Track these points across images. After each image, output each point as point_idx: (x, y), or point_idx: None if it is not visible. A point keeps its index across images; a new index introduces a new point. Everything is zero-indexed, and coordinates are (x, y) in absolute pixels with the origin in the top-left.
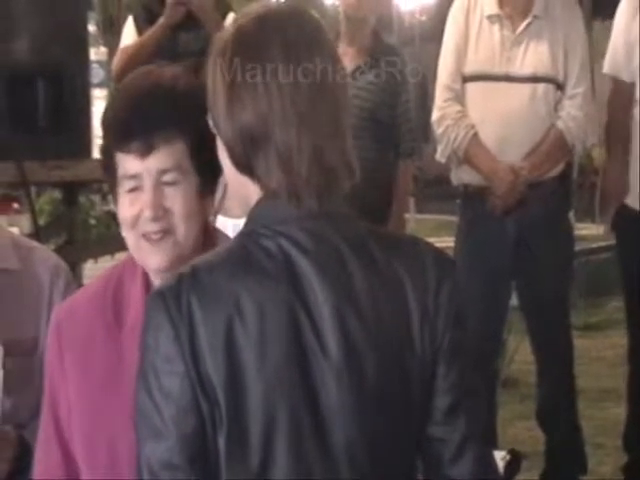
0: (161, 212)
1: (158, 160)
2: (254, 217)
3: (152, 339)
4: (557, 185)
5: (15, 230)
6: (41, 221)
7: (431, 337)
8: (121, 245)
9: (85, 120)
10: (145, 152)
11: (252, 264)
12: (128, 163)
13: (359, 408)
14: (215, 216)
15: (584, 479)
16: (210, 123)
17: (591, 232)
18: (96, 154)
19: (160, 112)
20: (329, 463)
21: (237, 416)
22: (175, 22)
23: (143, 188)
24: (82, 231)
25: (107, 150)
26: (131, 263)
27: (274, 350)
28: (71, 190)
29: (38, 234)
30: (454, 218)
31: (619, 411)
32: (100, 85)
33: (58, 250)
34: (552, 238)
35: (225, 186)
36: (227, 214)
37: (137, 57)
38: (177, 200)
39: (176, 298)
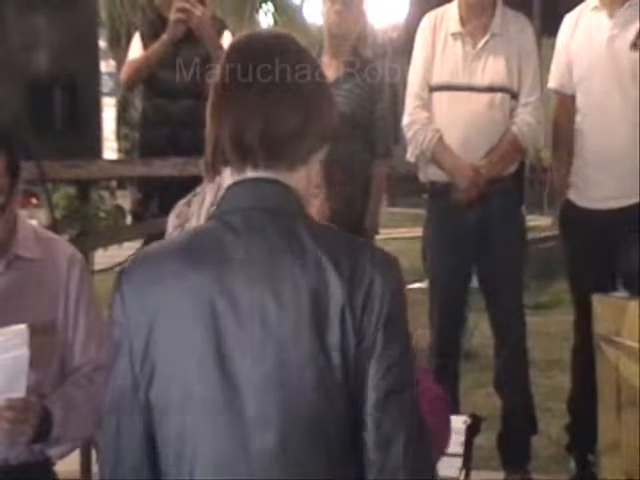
0: None
1: None
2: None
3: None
4: (512, 182)
5: (34, 222)
6: (57, 214)
7: (355, 331)
8: (128, 236)
9: (96, 124)
10: None
11: (192, 249)
12: None
13: (273, 387)
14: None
15: (535, 439)
16: None
17: (540, 223)
18: (106, 154)
19: None
20: (241, 433)
21: (159, 385)
22: (176, 38)
23: None
24: (93, 223)
25: None
26: None
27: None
28: (84, 186)
29: (55, 226)
30: (422, 211)
31: (565, 379)
32: (110, 94)
33: (72, 240)
34: (508, 228)
35: (220, 185)
36: None
37: (142, 69)
38: None
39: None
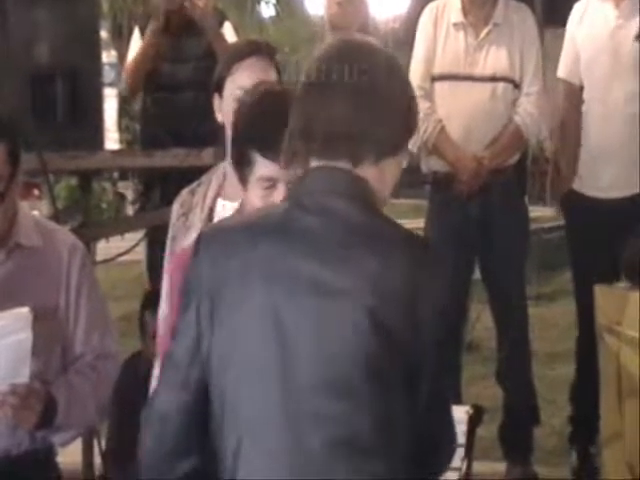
0: None
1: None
2: None
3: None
4: (514, 172)
5: (36, 213)
6: (58, 205)
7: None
8: (130, 226)
9: (98, 115)
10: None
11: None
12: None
13: (323, 358)
14: (216, 199)
15: (537, 430)
16: None
17: (543, 214)
18: (108, 145)
19: None
20: (290, 397)
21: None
22: (176, 26)
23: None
24: (95, 214)
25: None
26: None
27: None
28: (86, 178)
29: (57, 217)
30: (424, 202)
31: (567, 371)
32: (111, 84)
33: (75, 231)
34: (510, 219)
35: (225, 172)
36: (228, 198)
37: (141, 65)
38: None
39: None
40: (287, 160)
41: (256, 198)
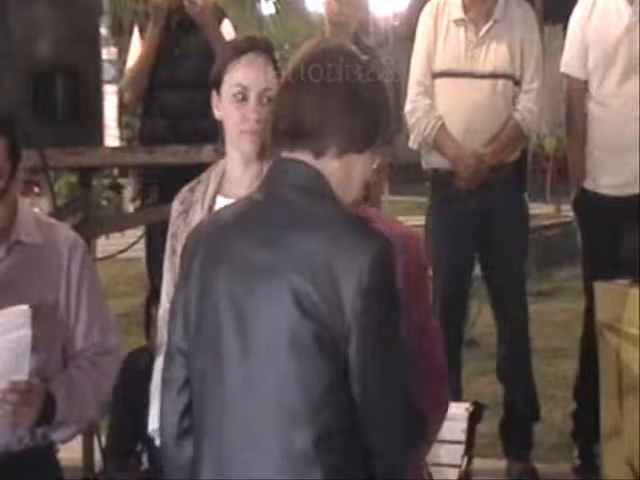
0: None
1: None
2: None
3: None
4: (514, 169)
5: (36, 210)
6: (59, 202)
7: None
8: (129, 223)
9: (98, 112)
10: None
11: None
12: None
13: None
14: (216, 196)
15: (537, 426)
16: None
17: (542, 211)
18: (108, 142)
19: None
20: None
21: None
22: (162, 26)
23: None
24: (95, 211)
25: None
26: None
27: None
28: (86, 174)
29: (57, 214)
30: (424, 199)
31: (567, 367)
32: (111, 81)
33: (75, 228)
34: (510, 216)
35: (224, 172)
36: (227, 195)
37: (140, 79)
38: None
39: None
40: (270, 153)
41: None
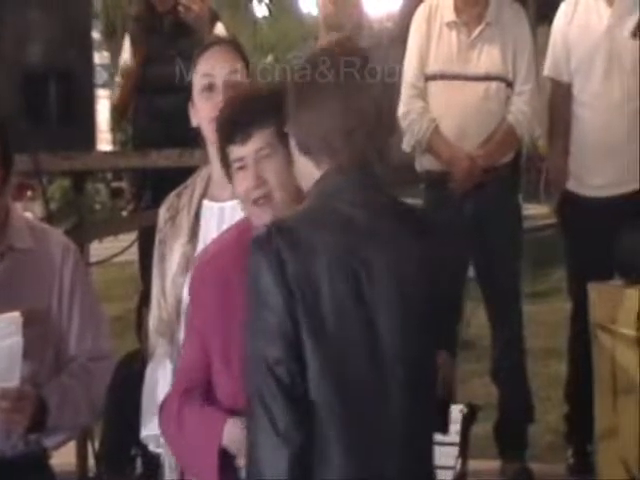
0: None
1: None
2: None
3: (254, 271)
4: (508, 171)
5: (29, 215)
6: (52, 206)
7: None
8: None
9: (91, 116)
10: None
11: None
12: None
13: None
14: (202, 200)
15: (532, 427)
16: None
17: (537, 212)
18: (100, 146)
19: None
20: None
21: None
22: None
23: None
24: (88, 215)
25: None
26: (244, 219)
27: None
28: (79, 178)
29: (50, 218)
30: (418, 201)
31: (562, 368)
32: (104, 85)
33: (68, 232)
34: (504, 217)
35: (210, 174)
36: (213, 199)
37: (127, 97)
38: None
39: (268, 243)
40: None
41: (236, 184)
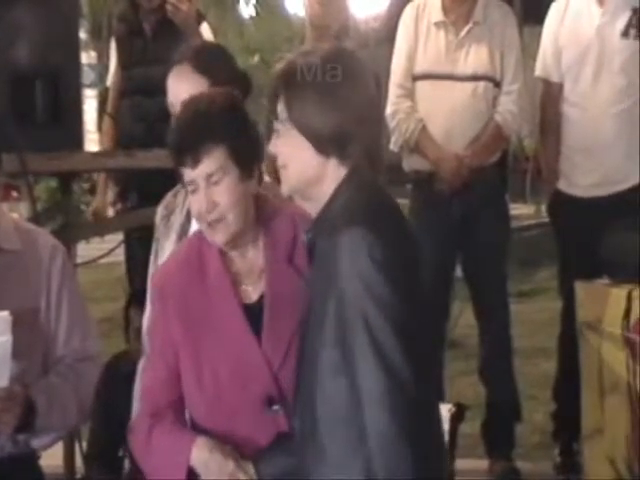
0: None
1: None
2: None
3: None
4: (495, 170)
5: (15, 216)
6: (38, 207)
7: None
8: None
9: (78, 116)
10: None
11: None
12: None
13: None
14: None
15: (519, 426)
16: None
17: (522, 211)
18: (87, 147)
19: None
20: None
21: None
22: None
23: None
24: (75, 216)
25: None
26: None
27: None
28: (66, 179)
29: (37, 219)
30: (405, 201)
31: (549, 366)
32: (90, 86)
33: (56, 232)
34: (491, 217)
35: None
36: None
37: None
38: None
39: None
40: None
41: (191, 206)
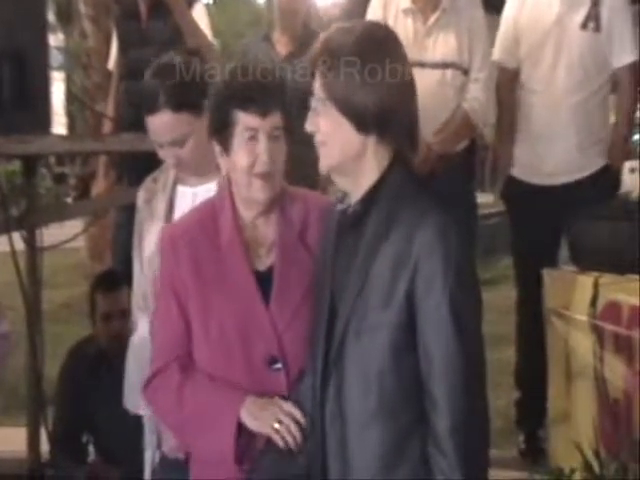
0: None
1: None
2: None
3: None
4: (463, 158)
5: None
6: None
7: None
8: (73, 213)
9: (45, 99)
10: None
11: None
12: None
13: None
14: (176, 185)
15: None
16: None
17: (482, 200)
18: (55, 129)
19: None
20: None
21: None
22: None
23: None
24: (36, 200)
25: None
26: (219, 198)
27: None
28: (30, 163)
29: (4, 202)
30: None
31: (511, 354)
32: (58, 68)
33: (19, 217)
34: (458, 205)
35: (178, 159)
36: (185, 183)
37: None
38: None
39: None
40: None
41: (242, 154)
